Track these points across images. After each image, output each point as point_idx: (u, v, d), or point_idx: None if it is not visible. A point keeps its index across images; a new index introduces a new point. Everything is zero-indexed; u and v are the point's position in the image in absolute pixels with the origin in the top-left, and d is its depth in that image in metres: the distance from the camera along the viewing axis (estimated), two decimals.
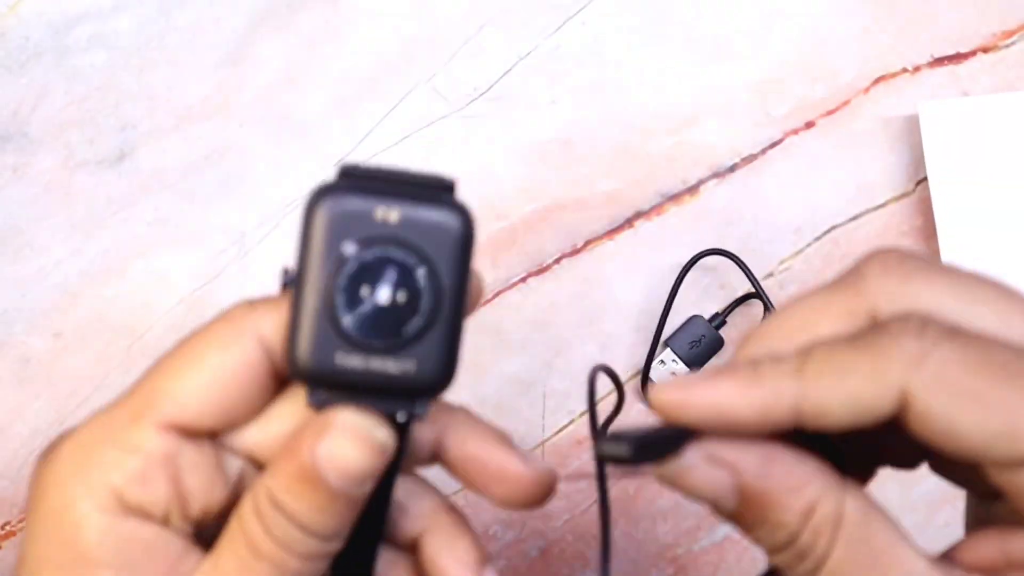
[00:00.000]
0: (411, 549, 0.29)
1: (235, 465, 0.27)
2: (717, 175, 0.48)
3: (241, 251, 0.48)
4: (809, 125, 0.49)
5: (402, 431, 0.26)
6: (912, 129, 0.48)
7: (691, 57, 0.49)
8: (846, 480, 0.23)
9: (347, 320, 0.25)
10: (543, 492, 0.28)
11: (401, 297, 0.25)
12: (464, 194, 0.51)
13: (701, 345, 0.47)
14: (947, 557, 0.23)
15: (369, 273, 0.25)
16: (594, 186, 0.48)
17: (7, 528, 0.46)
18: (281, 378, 0.27)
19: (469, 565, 0.28)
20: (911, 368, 0.21)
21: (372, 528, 0.28)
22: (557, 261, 0.48)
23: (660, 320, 0.47)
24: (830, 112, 0.48)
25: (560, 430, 0.48)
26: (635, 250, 0.47)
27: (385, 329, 0.25)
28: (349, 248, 0.25)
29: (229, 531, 0.26)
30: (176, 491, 0.26)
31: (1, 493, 0.46)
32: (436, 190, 0.26)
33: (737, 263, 0.47)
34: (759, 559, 0.47)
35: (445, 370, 0.26)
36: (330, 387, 0.25)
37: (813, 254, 0.49)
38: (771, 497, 0.22)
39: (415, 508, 0.28)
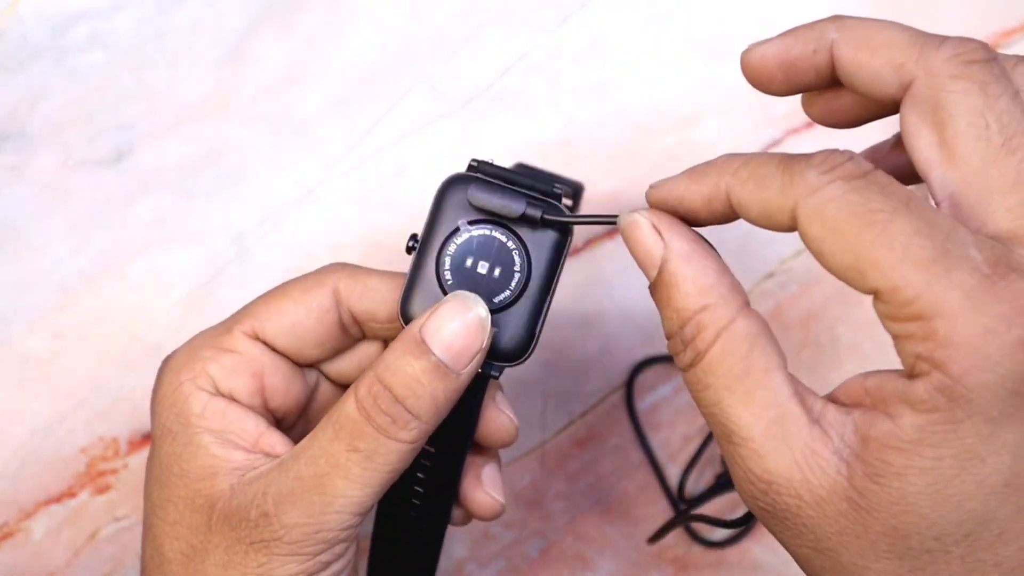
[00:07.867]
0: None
1: (312, 377, 0.36)
2: None
3: (240, 251, 0.48)
4: (810, 124, 0.48)
5: (481, 381, 0.32)
6: None
7: (691, 57, 0.49)
8: (752, 309, 0.27)
9: (450, 280, 0.31)
10: (509, 437, 0.35)
11: (496, 272, 0.31)
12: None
13: None
14: (826, 398, 0.26)
15: (475, 247, 0.31)
16: (594, 186, 0.48)
17: (6, 528, 0.46)
18: (348, 330, 0.34)
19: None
20: (803, 196, 0.25)
21: (459, 444, 0.34)
22: None
23: None
24: None
25: (560, 430, 0.48)
26: None
27: (479, 294, 0.30)
28: (464, 224, 0.31)
29: (325, 422, 0.31)
30: (259, 385, 0.34)
31: (0, 494, 0.46)
32: (551, 196, 0.31)
33: None
34: (759, 559, 0.47)
35: (522, 344, 0.31)
36: None
37: None
38: (680, 283, 0.27)
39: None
